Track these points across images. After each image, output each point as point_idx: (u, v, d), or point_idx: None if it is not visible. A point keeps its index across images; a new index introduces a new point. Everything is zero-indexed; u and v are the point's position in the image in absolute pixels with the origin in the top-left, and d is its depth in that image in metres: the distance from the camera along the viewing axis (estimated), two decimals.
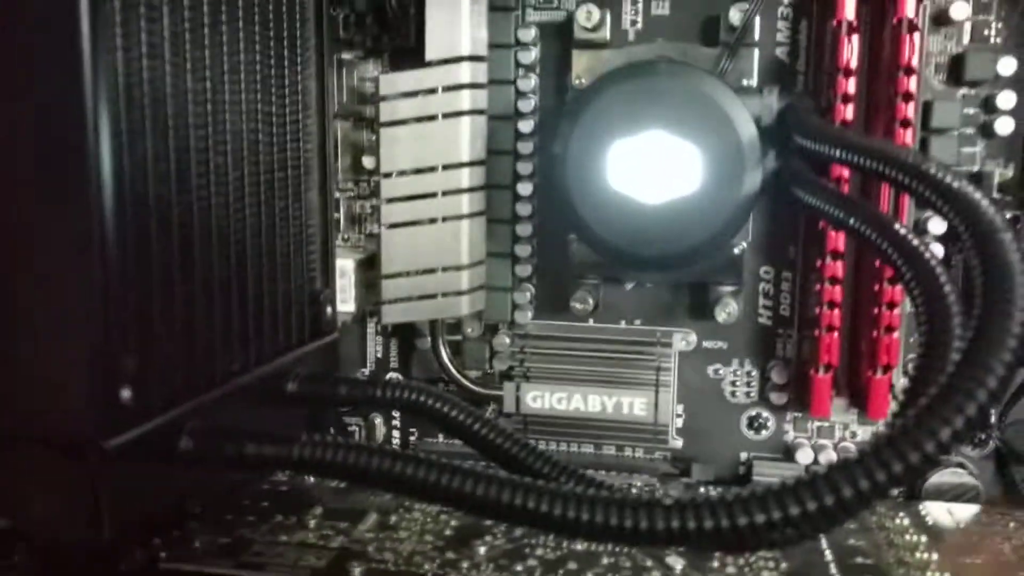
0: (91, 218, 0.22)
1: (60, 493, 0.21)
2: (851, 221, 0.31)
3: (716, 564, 0.34)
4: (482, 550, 0.35)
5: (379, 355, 0.49)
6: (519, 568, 0.34)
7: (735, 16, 0.40)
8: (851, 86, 0.37)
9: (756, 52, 0.41)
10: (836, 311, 0.39)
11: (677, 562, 0.34)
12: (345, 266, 0.45)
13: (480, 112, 0.43)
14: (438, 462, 0.25)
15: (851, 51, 0.37)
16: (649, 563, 0.34)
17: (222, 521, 0.37)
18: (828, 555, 0.35)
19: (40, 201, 0.22)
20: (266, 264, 0.33)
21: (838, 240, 0.38)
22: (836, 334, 0.39)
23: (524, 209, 0.45)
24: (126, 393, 0.23)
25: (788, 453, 0.45)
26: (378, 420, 0.49)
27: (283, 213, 0.35)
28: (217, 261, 0.29)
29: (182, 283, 0.27)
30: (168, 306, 0.26)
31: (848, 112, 0.37)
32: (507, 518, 0.24)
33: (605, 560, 0.34)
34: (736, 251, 0.42)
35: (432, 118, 0.42)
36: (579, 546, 0.36)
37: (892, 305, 0.38)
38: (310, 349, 0.37)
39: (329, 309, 0.39)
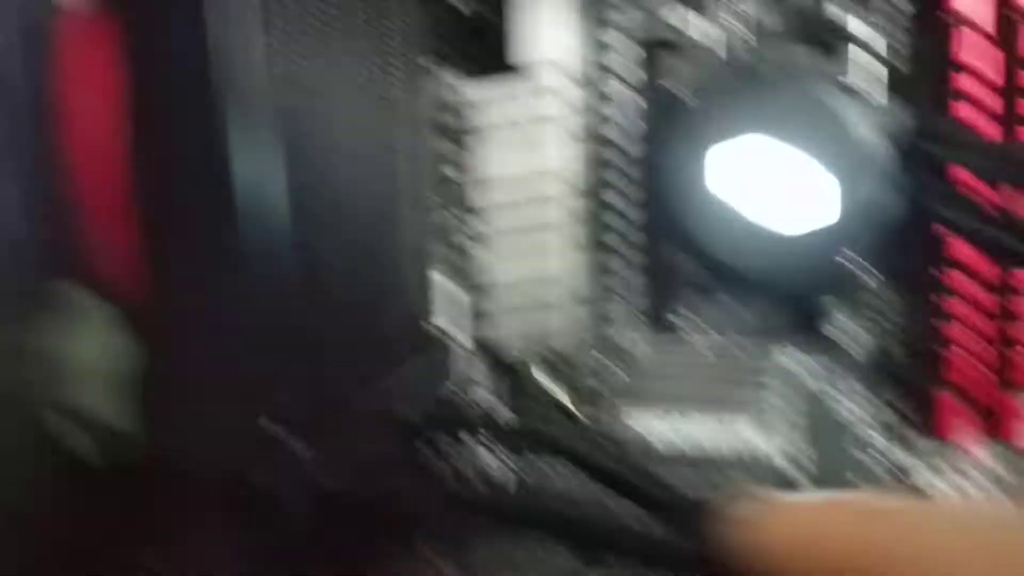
0: (235, 250, 0.22)
1: (210, 529, 0.21)
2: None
3: None
4: None
5: (474, 377, 0.47)
6: None
7: (857, 26, 0.38)
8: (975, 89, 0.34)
9: (877, 64, 0.38)
10: (962, 326, 0.36)
11: None
12: (455, 298, 0.43)
13: (578, 125, 0.41)
14: None
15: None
16: None
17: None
18: None
19: (196, 240, 0.22)
20: (374, 281, 0.32)
21: (968, 252, 0.36)
22: (962, 351, 0.37)
23: (623, 226, 0.43)
24: (277, 427, 0.23)
25: (904, 477, 0.42)
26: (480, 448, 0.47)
27: (387, 235, 0.34)
28: (338, 284, 0.28)
29: (314, 314, 0.26)
30: (301, 339, 0.25)
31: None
32: None
33: None
34: (853, 268, 0.39)
35: (524, 126, 0.41)
36: None
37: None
38: (420, 373, 0.36)
39: (433, 331, 0.38)
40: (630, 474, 0.32)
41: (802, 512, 0.21)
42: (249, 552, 0.24)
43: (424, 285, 0.41)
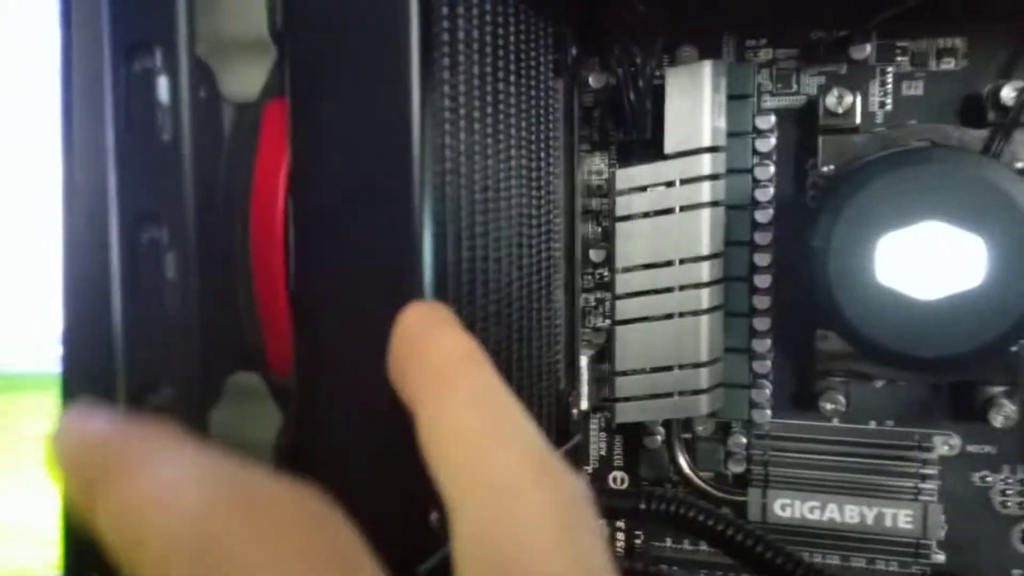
0: None
1: None
2: None
3: None
4: None
5: (603, 452, 0.47)
6: None
7: (1008, 94, 0.37)
8: None
9: None
10: None
11: None
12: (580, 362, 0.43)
13: (718, 204, 0.41)
14: None
15: None
16: None
17: None
18: None
19: (371, 344, 0.22)
20: (525, 368, 0.32)
21: None
22: None
23: (762, 302, 0.43)
24: (434, 516, 0.23)
25: None
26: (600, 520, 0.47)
27: (536, 315, 0.34)
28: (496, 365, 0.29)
29: None
30: None
31: None
32: None
33: None
34: (1014, 348, 0.38)
35: (670, 211, 0.41)
36: None
37: None
38: (562, 452, 0.35)
39: (575, 410, 0.38)
40: (753, 545, 0.31)
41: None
42: None
43: (575, 367, 0.41)
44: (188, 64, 0.21)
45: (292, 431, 0.23)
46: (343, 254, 0.23)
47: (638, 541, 0.47)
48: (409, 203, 0.22)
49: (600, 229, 0.45)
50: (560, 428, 0.37)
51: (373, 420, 0.22)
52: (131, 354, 0.22)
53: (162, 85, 0.21)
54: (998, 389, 0.39)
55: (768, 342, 0.43)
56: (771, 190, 0.42)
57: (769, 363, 0.43)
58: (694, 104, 0.40)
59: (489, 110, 0.29)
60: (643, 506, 0.33)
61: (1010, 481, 0.41)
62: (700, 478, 0.44)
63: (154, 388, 0.22)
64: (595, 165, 0.45)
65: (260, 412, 0.24)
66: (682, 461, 0.44)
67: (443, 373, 0.19)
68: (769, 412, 0.43)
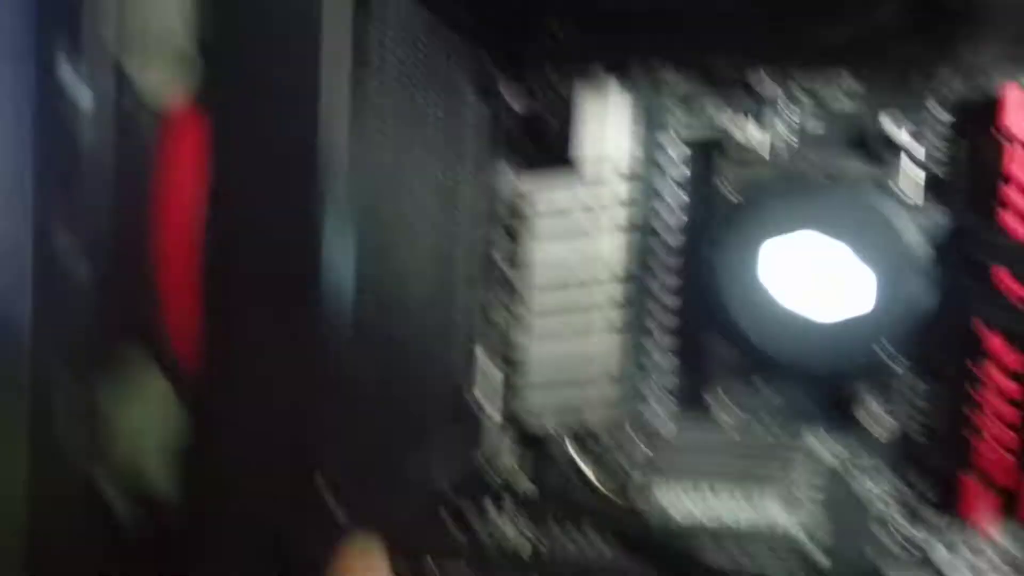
0: (325, 355, 0.23)
1: None
2: None
3: None
4: None
5: (511, 463, 0.48)
6: None
7: (896, 132, 0.40)
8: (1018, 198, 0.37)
9: (917, 169, 0.41)
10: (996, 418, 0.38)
11: None
12: (488, 373, 0.45)
13: (632, 227, 0.43)
14: None
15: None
16: None
17: None
18: None
19: (277, 337, 0.23)
20: (431, 370, 0.34)
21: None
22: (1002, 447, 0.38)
23: (669, 320, 0.45)
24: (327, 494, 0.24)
25: (938, 570, 0.43)
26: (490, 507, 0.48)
27: (445, 318, 0.36)
28: (398, 369, 0.30)
29: (380, 391, 0.27)
30: (373, 416, 0.27)
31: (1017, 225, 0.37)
32: None
33: None
34: (892, 364, 0.41)
35: (585, 233, 0.43)
36: None
37: None
38: (464, 454, 0.37)
39: (476, 412, 0.40)
40: (650, 544, 0.33)
41: None
42: None
43: (469, 361, 0.42)
44: (108, 72, 0.22)
45: (191, 425, 0.24)
46: (251, 249, 0.24)
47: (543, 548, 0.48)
48: (319, 204, 0.23)
49: (515, 248, 0.47)
50: (454, 415, 0.39)
51: (275, 414, 0.23)
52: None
53: (83, 93, 0.22)
54: (876, 399, 0.42)
55: (672, 359, 0.45)
56: (682, 217, 0.44)
57: (672, 378, 0.45)
58: (610, 129, 0.42)
59: (406, 123, 0.30)
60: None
61: (885, 486, 0.43)
62: (603, 486, 0.46)
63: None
64: (512, 186, 0.47)
65: (155, 394, 0.24)
66: (586, 470, 0.46)
67: None
68: (669, 422, 0.45)
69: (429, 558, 0.26)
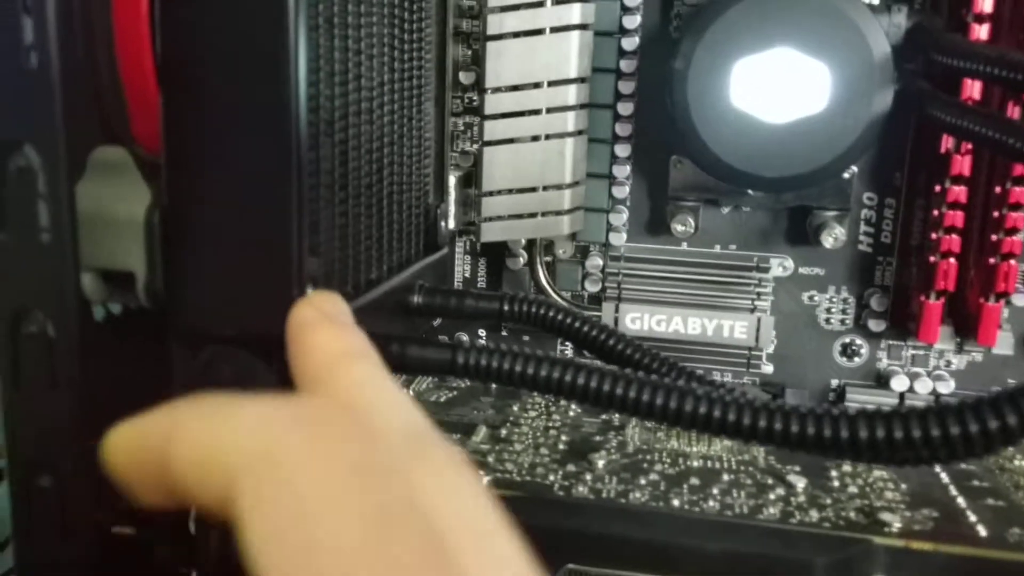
0: (288, 137, 0.22)
1: (247, 390, 0.21)
2: (1008, 140, 0.30)
3: (837, 484, 0.34)
4: (600, 463, 0.35)
5: (467, 274, 0.49)
6: (642, 481, 0.34)
7: None
8: (987, 4, 0.36)
9: None
10: (956, 237, 0.39)
11: (799, 480, 0.34)
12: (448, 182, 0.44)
13: (588, 27, 0.42)
14: (609, 370, 0.25)
15: None
16: (770, 481, 0.34)
17: None
18: (944, 478, 0.36)
19: (244, 126, 0.22)
20: (396, 174, 0.33)
21: (963, 164, 0.38)
22: (954, 260, 0.39)
23: (624, 129, 0.45)
24: (309, 290, 0.23)
25: (881, 380, 0.45)
26: (464, 337, 0.49)
27: (408, 124, 0.34)
28: (364, 169, 0.29)
29: (341, 191, 0.27)
30: (333, 214, 0.26)
31: (983, 31, 0.36)
32: (700, 428, 0.24)
33: (726, 477, 0.35)
34: (846, 175, 0.42)
35: (540, 32, 0.41)
36: (696, 463, 0.36)
37: (1014, 231, 0.37)
38: (429, 262, 0.36)
39: (442, 223, 0.39)
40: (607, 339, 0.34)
41: (137, 428, 0.19)
42: None
43: (443, 183, 0.42)
44: None
45: (162, 205, 0.23)
46: (212, 22, 0.22)
47: None
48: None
49: (470, 52, 0.45)
50: (428, 241, 0.38)
51: (245, 193, 0.23)
52: None
53: None
54: (830, 214, 0.42)
55: (627, 168, 0.45)
56: (637, 18, 0.43)
57: (627, 189, 0.45)
58: None
59: None
60: (506, 307, 0.35)
61: (835, 300, 0.45)
62: (560, 297, 0.47)
63: (18, 148, 0.21)
64: None
65: (128, 188, 0.23)
66: (543, 281, 0.46)
67: (323, 369, 0.21)
68: (625, 235, 0.46)
69: (458, 355, 0.26)
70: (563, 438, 0.38)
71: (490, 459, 0.35)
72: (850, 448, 0.22)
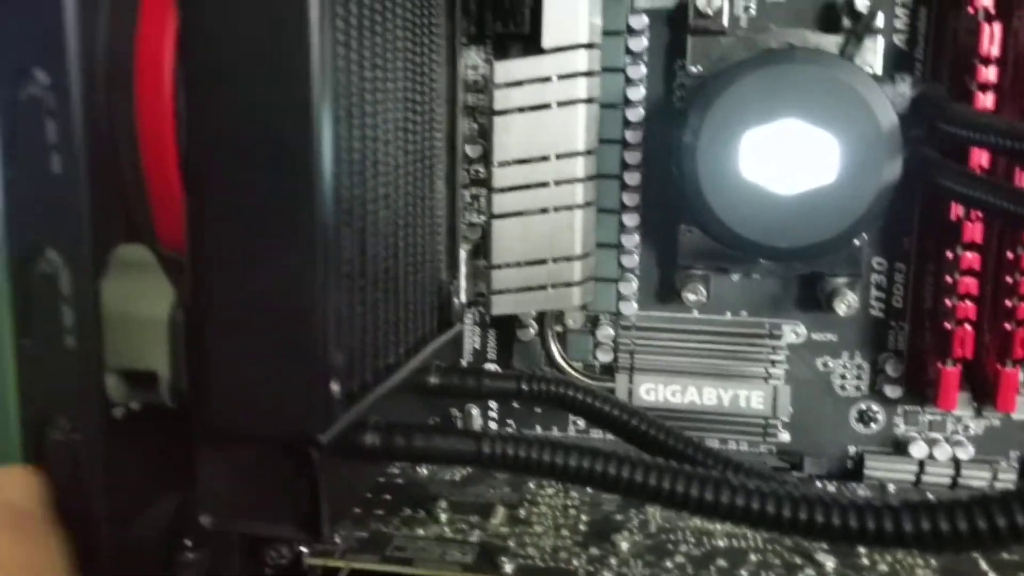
0: (313, 232, 0.22)
1: (277, 490, 0.21)
2: (1020, 210, 0.30)
3: (867, 562, 0.34)
4: (624, 545, 0.35)
5: (477, 346, 0.48)
6: (669, 564, 0.33)
7: (861, 2, 0.40)
8: (991, 74, 0.37)
9: (880, 39, 0.40)
10: (970, 304, 0.38)
11: (828, 559, 0.34)
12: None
13: (593, 100, 0.42)
14: (643, 461, 0.24)
15: (990, 38, 0.37)
16: (798, 560, 0.34)
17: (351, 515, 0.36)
18: (973, 552, 0.35)
19: (269, 223, 0.22)
20: (411, 255, 0.33)
21: (975, 231, 0.38)
22: (970, 327, 0.39)
23: (631, 199, 0.45)
24: (335, 387, 0.23)
25: (899, 447, 0.45)
26: (475, 411, 0.48)
27: (421, 204, 0.34)
28: (381, 254, 0.29)
29: (361, 278, 0.26)
30: (352, 302, 0.26)
31: (988, 100, 0.37)
32: (753, 524, 0.23)
33: (753, 557, 0.34)
34: (856, 242, 0.41)
35: (546, 106, 0.42)
36: (721, 543, 0.35)
37: None
38: (444, 341, 0.36)
39: (456, 300, 0.39)
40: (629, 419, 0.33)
41: None
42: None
43: (455, 258, 0.42)
44: None
45: (186, 304, 0.23)
46: (236, 121, 0.22)
47: (509, 429, 0.49)
48: (305, 70, 0.22)
49: (476, 125, 0.45)
50: (442, 318, 0.38)
51: (271, 290, 0.22)
52: (15, 218, 0.21)
53: None
54: (842, 280, 0.42)
55: (636, 237, 0.45)
56: (642, 89, 0.44)
57: (636, 257, 0.45)
58: (573, 3, 0.41)
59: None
60: (524, 387, 0.34)
61: (849, 366, 0.45)
62: (571, 368, 0.46)
63: (40, 252, 0.21)
64: (472, 60, 0.45)
65: (152, 286, 0.23)
66: (555, 352, 0.46)
67: None
68: (635, 304, 0.46)
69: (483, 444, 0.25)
70: (583, 517, 0.37)
71: (511, 543, 0.35)
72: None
